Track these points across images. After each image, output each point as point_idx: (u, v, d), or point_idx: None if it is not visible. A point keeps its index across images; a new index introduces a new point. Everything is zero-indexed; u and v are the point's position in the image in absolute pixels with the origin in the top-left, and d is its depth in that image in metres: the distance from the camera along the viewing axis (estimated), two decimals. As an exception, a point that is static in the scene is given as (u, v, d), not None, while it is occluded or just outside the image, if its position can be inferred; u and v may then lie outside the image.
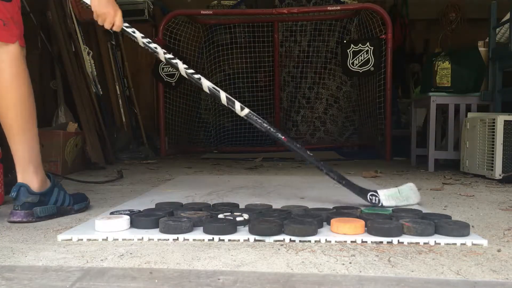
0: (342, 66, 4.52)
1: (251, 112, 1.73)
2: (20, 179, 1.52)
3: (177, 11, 4.74)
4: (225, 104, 1.74)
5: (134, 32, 1.71)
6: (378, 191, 1.74)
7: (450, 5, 6.14)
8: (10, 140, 1.52)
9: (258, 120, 1.72)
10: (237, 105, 1.73)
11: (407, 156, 3.90)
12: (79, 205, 1.68)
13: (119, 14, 1.64)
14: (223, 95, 1.74)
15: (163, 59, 1.78)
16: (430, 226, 1.26)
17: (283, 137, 1.74)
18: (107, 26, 1.65)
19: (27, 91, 1.52)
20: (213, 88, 1.76)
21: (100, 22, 1.65)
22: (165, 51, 1.78)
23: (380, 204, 1.70)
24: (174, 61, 1.80)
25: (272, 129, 1.73)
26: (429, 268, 1.03)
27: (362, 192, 1.74)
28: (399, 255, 1.12)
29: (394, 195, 1.75)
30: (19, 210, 1.49)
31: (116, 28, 1.67)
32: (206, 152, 4.92)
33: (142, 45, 1.73)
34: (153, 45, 1.76)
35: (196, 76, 1.79)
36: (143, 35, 1.75)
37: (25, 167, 1.52)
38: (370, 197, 1.71)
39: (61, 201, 1.59)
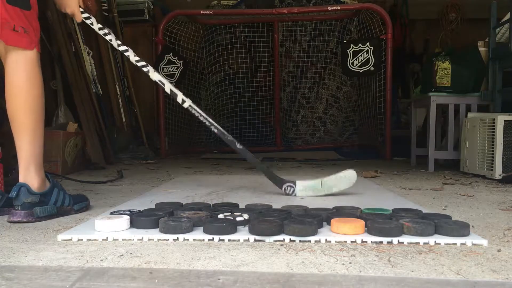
0: (342, 66, 4.52)
1: (192, 105, 2.02)
2: (21, 178, 1.53)
3: (177, 11, 4.74)
4: (169, 93, 1.98)
5: (92, 24, 1.83)
6: (297, 182, 1.92)
7: (450, 5, 6.14)
8: (17, 138, 1.55)
9: (198, 111, 2.01)
10: (180, 97, 1.99)
11: (407, 156, 3.90)
12: (79, 205, 1.68)
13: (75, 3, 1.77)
14: (167, 87, 1.98)
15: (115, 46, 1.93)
16: (430, 226, 1.26)
17: (216, 130, 2.02)
18: (69, 12, 1.78)
19: (39, 93, 1.58)
20: (159, 81, 1.97)
21: (62, 10, 1.79)
22: (117, 40, 1.95)
23: (293, 194, 1.92)
24: (122, 48, 1.92)
25: (208, 122, 2.02)
26: (429, 268, 1.03)
27: (280, 182, 1.94)
28: (399, 255, 1.12)
29: (313, 186, 1.92)
30: (19, 210, 1.50)
31: (76, 17, 1.81)
32: (206, 152, 4.92)
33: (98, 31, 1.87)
34: (106, 34, 1.91)
35: (145, 69, 1.94)
36: (100, 26, 1.89)
37: (27, 167, 1.53)
38: (285, 187, 1.93)
39: (61, 201, 1.60)
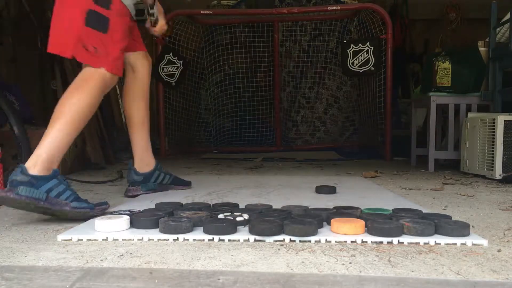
0: (342, 66, 4.52)
1: None
2: (29, 159, 1.53)
3: (177, 11, 4.74)
4: None
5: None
6: None
7: (450, 5, 6.14)
8: (50, 122, 1.61)
9: None
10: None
11: (407, 156, 3.90)
12: (79, 203, 1.54)
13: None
14: None
15: None
16: (430, 226, 1.26)
17: None
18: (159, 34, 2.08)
19: (86, 114, 1.69)
20: None
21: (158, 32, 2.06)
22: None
23: None
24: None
25: None
26: (429, 268, 1.03)
27: None
28: (399, 255, 1.12)
29: None
30: (7, 187, 1.46)
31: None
32: (206, 152, 4.92)
33: None
34: None
35: None
36: None
37: (41, 149, 1.54)
38: None
39: (57, 192, 1.50)
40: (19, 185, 1.44)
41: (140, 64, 2.05)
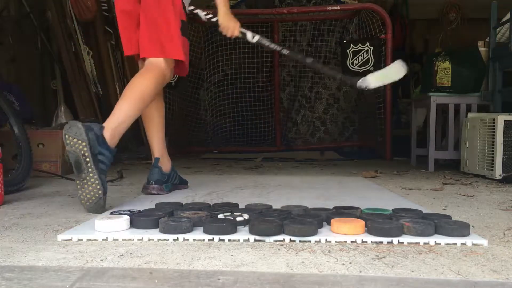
0: (342, 66, 4.52)
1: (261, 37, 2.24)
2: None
3: (177, 11, 4.73)
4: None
5: (245, 33, 2.18)
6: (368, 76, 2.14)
7: (450, 5, 6.14)
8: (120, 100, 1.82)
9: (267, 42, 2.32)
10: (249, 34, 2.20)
11: (407, 156, 3.90)
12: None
13: (237, 25, 2.16)
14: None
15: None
16: (430, 226, 1.26)
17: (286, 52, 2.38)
18: (229, 35, 2.16)
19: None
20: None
21: (223, 32, 2.17)
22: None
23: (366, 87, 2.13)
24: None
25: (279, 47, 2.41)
26: (429, 268, 1.03)
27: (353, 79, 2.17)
28: (399, 255, 1.12)
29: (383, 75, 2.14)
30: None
31: (234, 36, 2.17)
32: (206, 152, 4.92)
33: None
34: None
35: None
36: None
37: (121, 124, 1.76)
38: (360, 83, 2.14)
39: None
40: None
41: None
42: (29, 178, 2.33)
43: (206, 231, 1.28)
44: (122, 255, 1.12)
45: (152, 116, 2.15)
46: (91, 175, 1.60)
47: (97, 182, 1.61)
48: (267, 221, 1.30)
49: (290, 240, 1.24)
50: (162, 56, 1.90)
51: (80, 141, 1.60)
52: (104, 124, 1.71)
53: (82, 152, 1.59)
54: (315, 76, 5.36)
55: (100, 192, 1.61)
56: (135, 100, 1.79)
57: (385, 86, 4.25)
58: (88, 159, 1.60)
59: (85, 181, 1.60)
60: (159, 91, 1.97)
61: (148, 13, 1.88)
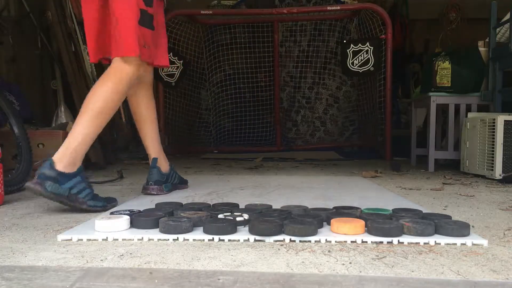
0: (342, 66, 4.52)
1: None
2: (56, 153, 1.66)
3: (177, 11, 4.74)
4: None
5: None
6: None
7: (450, 5, 6.14)
8: (78, 117, 1.72)
9: None
10: None
11: (407, 156, 3.90)
12: (93, 202, 1.69)
13: None
14: None
15: None
16: (430, 226, 1.26)
17: None
18: None
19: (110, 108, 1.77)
20: None
21: None
22: None
23: None
24: None
25: None
26: (429, 268, 1.03)
27: None
28: (399, 255, 1.12)
29: None
30: (36, 178, 1.60)
31: None
32: (206, 152, 4.92)
33: None
34: None
35: None
36: None
37: (68, 144, 1.66)
38: None
39: (77, 190, 1.64)
40: (46, 180, 1.59)
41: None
42: (29, 178, 2.33)
43: (206, 231, 1.28)
44: (122, 255, 1.12)
45: (142, 116, 2.07)
46: (83, 207, 1.66)
47: (92, 209, 1.67)
48: (267, 221, 1.30)
49: (290, 240, 1.24)
50: (115, 55, 1.78)
51: (51, 198, 1.60)
52: (57, 154, 1.64)
53: (58, 200, 1.62)
54: (315, 76, 5.36)
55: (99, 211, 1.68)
56: (93, 115, 1.69)
57: (385, 86, 4.26)
58: (69, 203, 1.63)
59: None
60: (124, 93, 1.80)
61: (110, 9, 1.78)
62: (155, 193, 2.04)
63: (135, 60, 1.79)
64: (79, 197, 1.64)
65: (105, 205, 1.73)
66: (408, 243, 1.22)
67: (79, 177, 1.66)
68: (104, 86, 1.74)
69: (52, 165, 1.60)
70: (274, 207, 1.60)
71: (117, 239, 1.27)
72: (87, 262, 1.07)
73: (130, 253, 1.14)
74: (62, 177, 1.61)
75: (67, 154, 1.64)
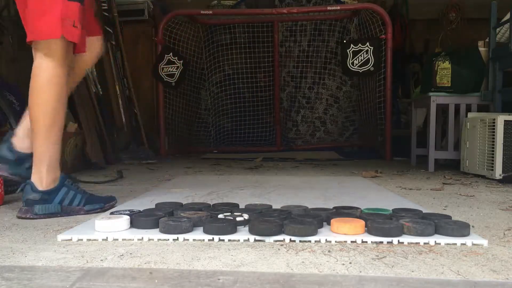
0: (342, 66, 4.52)
1: None
2: (31, 176, 1.57)
3: (177, 11, 4.74)
4: None
5: None
6: None
7: (450, 5, 6.14)
8: (33, 136, 1.57)
9: None
10: None
11: (407, 156, 3.90)
12: (91, 205, 1.65)
13: None
14: None
15: None
16: (430, 226, 1.26)
17: None
18: None
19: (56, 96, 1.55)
20: None
21: None
22: None
23: None
24: None
25: None
26: (429, 268, 1.03)
27: None
28: (399, 255, 1.12)
29: None
30: (23, 207, 1.54)
31: None
32: (206, 152, 4.92)
33: None
34: None
35: None
36: None
37: (39, 166, 1.56)
38: None
39: (68, 200, 1.60)
40: (34, 204, 1.53)
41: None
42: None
43: (206, 231, 1.28)
44: (122, 255, 1.12)
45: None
46: (81, 213, 1.63)
47: (91, 213, 1.64)
48: (267, 221, 1.30)
49: (290, 240, 1.24)
50: (32, 38, 1.51)
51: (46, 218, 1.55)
52: (34, 175, 1.56)
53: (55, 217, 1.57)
54: (315, 76, 5.36)
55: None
56: (45, 130, 1.53)
57: (385, 86, 4.26)
58: (67, 215, 1.59)
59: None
60: (63, 88, 1.56)
61: None
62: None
63: (59, 43, 1.51)
64: (74, 206, 1.61)
65: (102, 206, 1.69)
66: (408, 243, 1.22)
67: (64, 188, 1.59)
68: (34, 90, 1.53)
69: (34, 188, 1.54)
70: (274, 207, 1.60)
71: (117, 239, 1.27)
72: (87, 262, 1.07)
73: (130, 253, 1.14)
74: (48, 194, 1.55)
75: (44, 172, 1.55)
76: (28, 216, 1.53)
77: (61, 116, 1.57)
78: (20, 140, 1.67)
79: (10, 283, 0.93)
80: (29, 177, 1.59)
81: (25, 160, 1.67)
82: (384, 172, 3.08)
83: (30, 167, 1.64)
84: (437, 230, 1.27)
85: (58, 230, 1.39)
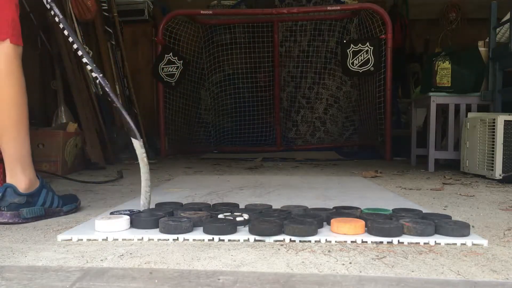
0: (342, 66, 4.52)
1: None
2: (8, 179, 1.51)
3: (177, 11, 4.74)
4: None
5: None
6: None
7: (450, 5, 6.15)
8: (0, 138, 1.52)
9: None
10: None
11: (407, 156, 3.90)
12: (68, 206, 1.65)
13: None
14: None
15: None
16: (430, 226, 1.26)
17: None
18: None
19: (19, 90, 1.51)
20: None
21: None
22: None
23: None
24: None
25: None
26: (429, 268, 1.03)
27: None
28: (399, 255, 1.12)
29: None
30: (5, 211, 1.47)
31: None
32: (206, 152, 4.92)
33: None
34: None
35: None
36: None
37: (13, 167, 1.51)
38: None
39: (49, 202, 1.57)
40: (19, 208, 1.49)
41: None
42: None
43: (206, 231, 1.28)
44: (122, 255, 1.12)
45: None
46: (61, 215, 1.62)
47: (70, 213, 1.63)
48: (267, 221, 1.30)
49: (290, 240, 1.24)
50: None
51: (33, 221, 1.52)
52: (12, 178, 1.51)
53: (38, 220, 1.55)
54: (315, 76, 5.36)
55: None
56: (14, 130, 1.50)
57: (385, 86, 4.26)
58: (50, 217, 1.57)
59: None
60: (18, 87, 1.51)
61: None
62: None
63: None
64: (54, 208, 1.59)
65: (76, 205, 1.70)
66: (408, 243, 1.22)
67: (44, 190, 1.57)
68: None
69: (17, 191, 1.49)
70: (274, 207, 1.60)
71: (117, 239, 1.27)
72: (87, 262, 1.07)
73: (130, 253, 1.14)
74: (32, 197, 1.52)
75: (25, 173, 1.51)
76: (16, 220, 1.48)
77: (23, 117, 1.53)
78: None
79: (10, 283, 0.93)
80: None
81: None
82: (384, 172, 3.08)
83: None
84: (437, 230, 1.27)
85: (58, 230, 1.39)
